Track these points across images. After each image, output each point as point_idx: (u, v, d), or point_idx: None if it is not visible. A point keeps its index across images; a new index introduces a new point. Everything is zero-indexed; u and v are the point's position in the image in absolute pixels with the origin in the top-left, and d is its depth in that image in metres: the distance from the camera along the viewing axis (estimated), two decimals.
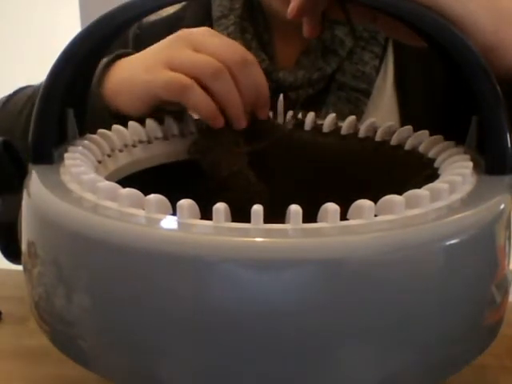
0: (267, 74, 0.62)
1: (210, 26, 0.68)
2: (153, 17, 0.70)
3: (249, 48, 0.64)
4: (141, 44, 0.54)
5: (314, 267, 0.27)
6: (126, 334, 0.29)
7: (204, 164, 0.45)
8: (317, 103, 0.63)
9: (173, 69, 0.45)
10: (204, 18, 0.69)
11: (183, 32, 0.48)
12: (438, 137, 0.43)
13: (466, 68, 0.35)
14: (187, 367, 0.29)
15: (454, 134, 0.43)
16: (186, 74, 0.44)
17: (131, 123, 0.46)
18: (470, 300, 0.31)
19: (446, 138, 0.43)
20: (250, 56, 0.47)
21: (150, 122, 0.48)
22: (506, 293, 0.33)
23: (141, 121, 0.47)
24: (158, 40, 0.51)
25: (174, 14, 0.70)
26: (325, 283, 0.27)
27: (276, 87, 0.63)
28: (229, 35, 0.66)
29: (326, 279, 0.27)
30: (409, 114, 0.63)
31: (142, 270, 0.28)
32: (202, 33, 0.48)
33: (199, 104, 0.45)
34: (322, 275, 0.27)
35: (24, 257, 0.35)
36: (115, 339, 0.30)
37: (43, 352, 0.43)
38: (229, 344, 0.28)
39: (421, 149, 0.43)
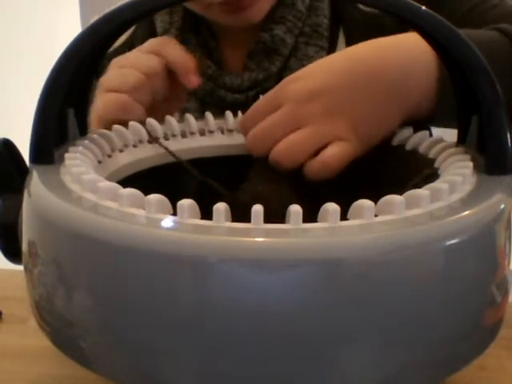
0: (214, 79, 0.66)
1: None
2: (116, 43, 0.71)
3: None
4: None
5: (314, 267, 0.27)
6: (127, 334, 0.29)
7: (246, 201, 0.44)
8: None
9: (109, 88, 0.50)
10: (150, 37, 0.70)
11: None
12: (439, 137, 0.43)
13: (466, 68, 0.35)
14: (187, 367, 0.29)
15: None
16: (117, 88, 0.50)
17: (132, 123, 0.46)
18: (470, 300, 0.31)
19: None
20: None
21: (150, 121, 0.48)
22: (506, 293, 0.33)
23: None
24: None
25: (125, 42, 0.71)
26: (325, 283, 0.27)
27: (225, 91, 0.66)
28: None
29: (326, 279, 0.27)
30: None
31: (143, 270, 0.28)
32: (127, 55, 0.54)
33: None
34: (322, 275, 0.27)
35: (24, 257, 0.35)
36: (115, 339, 0.30)
37: (44, 352, 0.43)
38: (229, 344, 0.28)
39: (421, 149, 0.43)
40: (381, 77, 0.44)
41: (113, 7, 0.36)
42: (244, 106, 0.50)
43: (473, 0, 0.62)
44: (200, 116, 0.51)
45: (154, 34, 0.71)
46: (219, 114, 0.52)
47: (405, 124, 0.46)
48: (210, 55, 0.68)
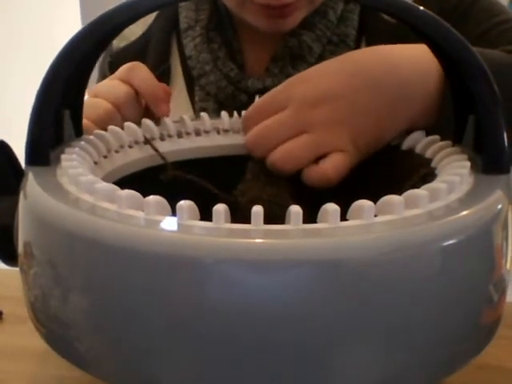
0: (236, 82, 0.65)
1: (178, 37, 0.70)
2: (123, 42, 0.71)
3: (216, 57, 0.66)
4: (115, 71, 0.57)
5: (314, 268, 0.27)
6: (124, 336, 0.29)
7: (244, 203, 0.44)
8: None
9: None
10: (170, 31, 0.70)
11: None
12: (435, 137, 0.43)
13: (463, 68, 0.35)
14: (186, 369, 0.29)
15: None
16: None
17: (127, 124, 0.46)
18: (467, 299, 0.31)
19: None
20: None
21: (146, 122, 0.47)
22: (504, 292, 0.33)
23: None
24: None
25: (142, 35, 0.71)
26: (325, 284, 0.27)
27: (247, 95, 0.65)
28: (195, 46, 0.67)
29: (326, 280, 0.27)
30: None
31: (142, 272, 0.28)
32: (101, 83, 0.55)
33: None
34: (322, 276, 0.27)
35: (20, 258, 0.34)
36: (112, 341, 0.30)
37: (44, 352, 0.42)
38: (228, 346, 0.28)
39: (418, 149, 0.43)
40: (384, 87, 0.44)
41: (109, 7, 0.36)
42: None
43: (484, 25, 0.62)
44: (218, 117, 0.51)
45: (176, 29, 0.70)
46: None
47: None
48: (233, 57, 0.67)
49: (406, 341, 0.29)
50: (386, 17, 0.64)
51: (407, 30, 0.44)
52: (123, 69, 0.54)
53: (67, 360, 0.33)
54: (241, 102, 0.65)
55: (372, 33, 0.65)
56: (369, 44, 0.65)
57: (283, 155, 0.43)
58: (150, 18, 0.72)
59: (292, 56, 0.64)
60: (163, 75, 0.68)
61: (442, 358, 0.31)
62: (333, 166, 0.42)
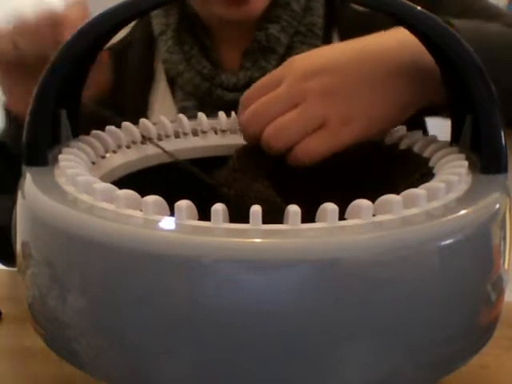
0: (210, 78, 0.67)
1: (154, 43, 0.72)
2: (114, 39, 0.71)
3: (190, 57, 0.68)
4: None
5: (312, 267, 0.27)
6: (121, 336, 0.29)
7: (230, 196, 0.44)
8: None
9: None
10: (149, 38, 0.72)
11: None
12: (433, 136, 0.43)
13: (461, 68, 0.35)
14: (184, 369, 0.29)
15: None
16: None
17: (125, 124, 0.46)
18: (465, 299, 0.31)
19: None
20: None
21: (143, 122, 0.47)
22: (502, 292, 0.33)
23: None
24: None
25: (124, 38, 0.72)
26: (323, 283, 0.27)
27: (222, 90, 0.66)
28: (168, 49, 0.69)
29: (324, 279, 0.27)
30: None
31: (140, 272, 0.28)
32: None
33: None
34: (320, 275, 0.27)
35: (18, 259, 0.34)
36: (110, 341, 0.30)
37: (43, 352, 0.42)
38: (227, 345, 0.28)
39: (416, 148, 0.43)
40: (392, 61, 0.43)
41: (106, 8, 0.36)
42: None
43: (462, 4, 0.63)
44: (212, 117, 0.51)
45: (150, 36, 0.71)
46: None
47: (426, 109, 0.44)
48: (207, 55, 0.69)
49: (403, 340, 0.29)
50: (355, 6, 0.64)
51: (379, 17, 0.43)
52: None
53: (66, 360, 0.33)
54: (218, 97, 0.67)
55: (343, 22, 0.67)
56: (341, 33, 0.67)
57: (273, 132, 0.42)
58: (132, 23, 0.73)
59: (262, 49, 0.66)
60: (147, 80, 0.71)
61: (439, 357, 0.31)
62: (306, 150, 0.41)
